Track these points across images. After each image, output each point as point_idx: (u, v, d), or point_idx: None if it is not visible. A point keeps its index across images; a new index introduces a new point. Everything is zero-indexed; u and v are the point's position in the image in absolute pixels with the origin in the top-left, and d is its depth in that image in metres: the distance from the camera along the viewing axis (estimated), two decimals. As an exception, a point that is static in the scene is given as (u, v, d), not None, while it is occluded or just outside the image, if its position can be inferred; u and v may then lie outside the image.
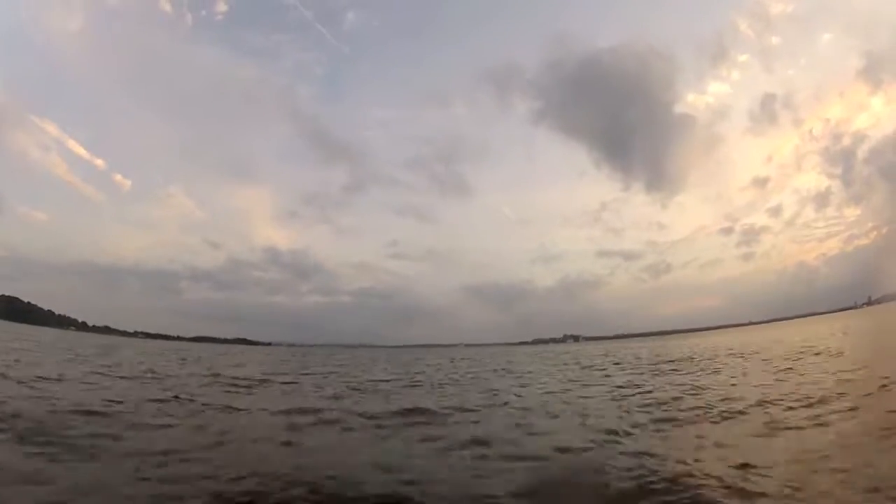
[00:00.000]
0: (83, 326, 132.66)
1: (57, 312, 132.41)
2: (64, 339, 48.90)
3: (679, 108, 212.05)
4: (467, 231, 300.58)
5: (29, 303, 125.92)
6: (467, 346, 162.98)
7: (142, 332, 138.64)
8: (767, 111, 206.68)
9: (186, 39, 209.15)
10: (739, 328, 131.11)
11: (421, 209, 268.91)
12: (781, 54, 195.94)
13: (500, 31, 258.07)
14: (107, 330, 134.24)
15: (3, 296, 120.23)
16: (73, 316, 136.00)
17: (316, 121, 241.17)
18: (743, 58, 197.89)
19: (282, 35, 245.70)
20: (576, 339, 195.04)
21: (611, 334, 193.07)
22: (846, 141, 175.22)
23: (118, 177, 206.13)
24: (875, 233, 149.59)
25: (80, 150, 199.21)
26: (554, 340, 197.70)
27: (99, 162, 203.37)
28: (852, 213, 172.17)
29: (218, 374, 18.02)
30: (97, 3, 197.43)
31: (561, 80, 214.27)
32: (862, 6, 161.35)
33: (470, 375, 20.81)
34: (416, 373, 22.36)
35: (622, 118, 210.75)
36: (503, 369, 24.13)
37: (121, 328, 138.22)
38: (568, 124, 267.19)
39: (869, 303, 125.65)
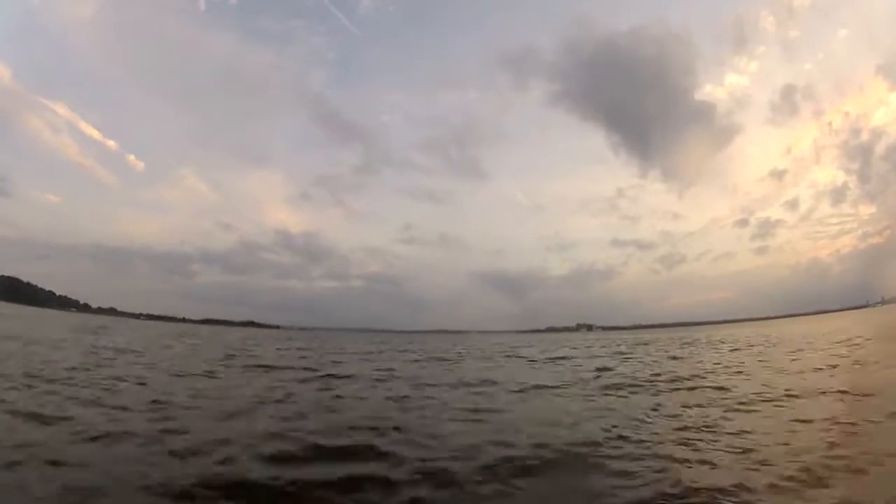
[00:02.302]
0: (85, 308, 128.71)
1: (58, 293, 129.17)
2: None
3: (698, 96, 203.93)
4: (481, 216, 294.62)
5: (28, 283, 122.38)
6: (479, 333, 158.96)
7: (146, 314, 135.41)
8: (788, 101, 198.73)
9: (199, 24, 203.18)
10: (756, 322, 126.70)
11: (435, 193, 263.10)
12: (802, 45, 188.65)
13: (516, 11, 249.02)
14: (112, 311, 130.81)
15: (2, 276, 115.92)
16: (75, 297, 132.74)
17: (329, 105, 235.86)
18: (764, 47, 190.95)
19: (295, 19, 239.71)
20: (589, 328, 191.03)
21: (627, 324, 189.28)
22: (864, 136, 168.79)
23: (131, 157, 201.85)
24: (889, 231, 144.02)
25: (93, 132, 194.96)
26: (567, 329, 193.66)
27: (111, 143, 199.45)
28: (867, 210, 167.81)
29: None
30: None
31: (579, 62, 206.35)
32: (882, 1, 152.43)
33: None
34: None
35: (641, 103, 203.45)
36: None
37: (127, 310, 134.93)
38: (585, 108, 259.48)
39: (883, 302, 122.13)
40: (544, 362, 17.64)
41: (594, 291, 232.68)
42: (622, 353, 21.65)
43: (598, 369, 14.02)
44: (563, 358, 19.29)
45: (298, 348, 25.53)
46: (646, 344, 30.34)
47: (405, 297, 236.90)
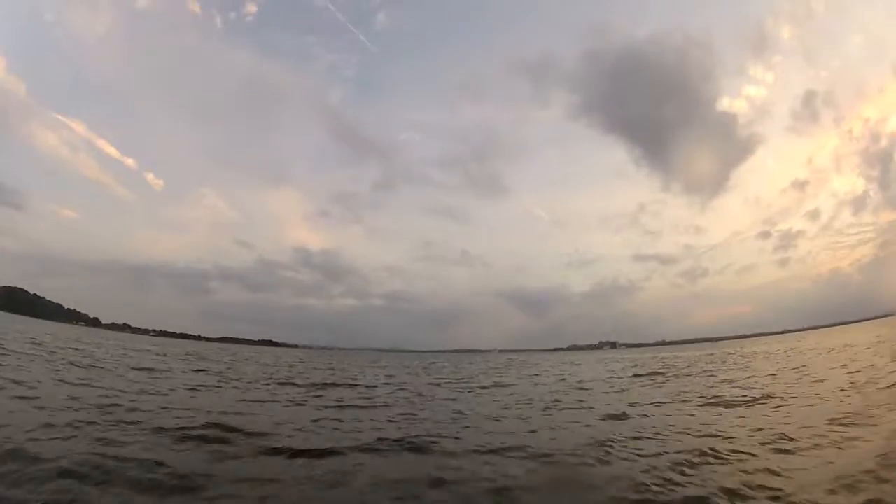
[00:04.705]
0: (95, 322, 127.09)
1: (66, 307, 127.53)
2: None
3: (719, 106, 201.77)
4: (501, 233, 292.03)
5: (35, 295, 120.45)
6: (501, 351, 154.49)
7: (159, 331, 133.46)
8: (809, 108, 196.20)
9: (216, 41, 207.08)
10: (783, 336, 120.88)
11: (454, 210, 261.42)
12: (820, 50, 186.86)
13: (535, 22, 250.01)
14: (125, 327, 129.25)
15: (5, 286, 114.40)
16: (84, 311, 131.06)
17: (347, 121, 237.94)
18: (782, 55, 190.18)
19: (313, 37, 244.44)
20: (613, 345, 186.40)
21: (650, 341, 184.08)
22: (884, 142, 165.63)
23: (150, 176, 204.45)
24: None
25: (111, 150, 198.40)
26: (590, 347, 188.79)
27: (130, 161, 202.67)
28: (888, 217, 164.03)
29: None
30: (124, 4, 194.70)
31: (599, 71, 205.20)
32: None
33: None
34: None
35: (663, 114, 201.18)
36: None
37: (141, 326, 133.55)
38: (606, 120, 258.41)
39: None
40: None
41: (617, 308, 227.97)
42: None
43: None
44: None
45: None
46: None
47: (425, 316, 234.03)
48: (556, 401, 11.59)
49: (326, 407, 10.06)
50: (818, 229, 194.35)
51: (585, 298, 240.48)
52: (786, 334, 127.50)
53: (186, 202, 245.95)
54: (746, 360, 26.76)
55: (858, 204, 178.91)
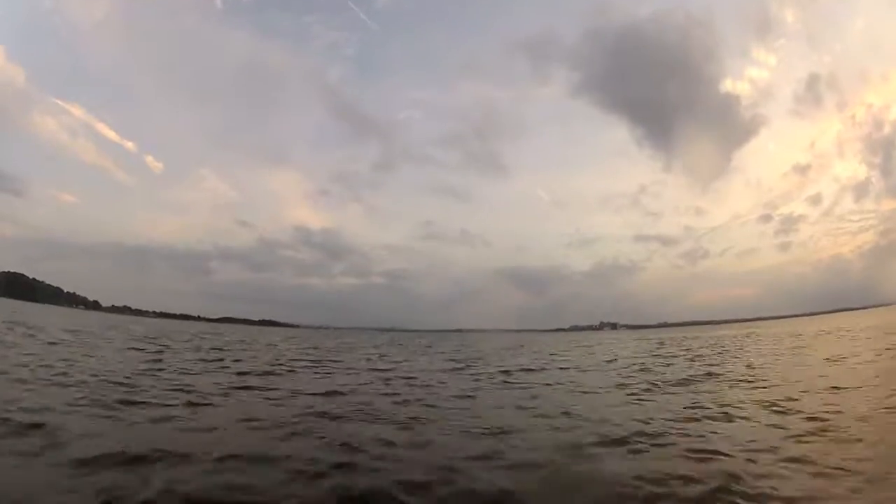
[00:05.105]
0: (95, 306, 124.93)
1: (66, 290, 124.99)
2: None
3: (722, 87, 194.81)
4: (501, 212, 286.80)
5: (34, 279, 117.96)
6: (503, 332, 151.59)
7: (159, 312, 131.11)
8: (813, 92, 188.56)
9: (215, 22, 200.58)
10: (789, 320, 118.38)
11: (455, 188, 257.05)
12: (825, 34, 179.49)
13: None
14: (126, 310, 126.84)
15: (4, 272, 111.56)
16: (83, 295, 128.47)
17: (347, 101, 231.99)
18: (786, 37, 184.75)
19: (312, 15, 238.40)
20: (614, 326, 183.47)
21: (651, 323, 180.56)
22: (887, 129, 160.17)
23: (149, 158, 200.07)
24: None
25: (110, 133, 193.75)
26: (591, 328, 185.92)
27: (129, 144, 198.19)
28: (890, 205, 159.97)
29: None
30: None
31: (601, 49, 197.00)
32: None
33: None
34: None
35: (665, 94, 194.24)
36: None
37: (141, 308, 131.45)
38: (607, 99, 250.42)
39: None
40: None
41: (617, 288, 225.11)
42: None
43: None
44: None
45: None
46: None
47: (426, 294, 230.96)
48: (645, 392, 7.31)
49: (219, 428, 5.64)
50: (819, 214, 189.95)
51: (586, 278, 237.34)
52: (789, 319, 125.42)
53: (186, 184, 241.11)
54: (797, 340, 22.81)
55: (860, 190, 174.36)
